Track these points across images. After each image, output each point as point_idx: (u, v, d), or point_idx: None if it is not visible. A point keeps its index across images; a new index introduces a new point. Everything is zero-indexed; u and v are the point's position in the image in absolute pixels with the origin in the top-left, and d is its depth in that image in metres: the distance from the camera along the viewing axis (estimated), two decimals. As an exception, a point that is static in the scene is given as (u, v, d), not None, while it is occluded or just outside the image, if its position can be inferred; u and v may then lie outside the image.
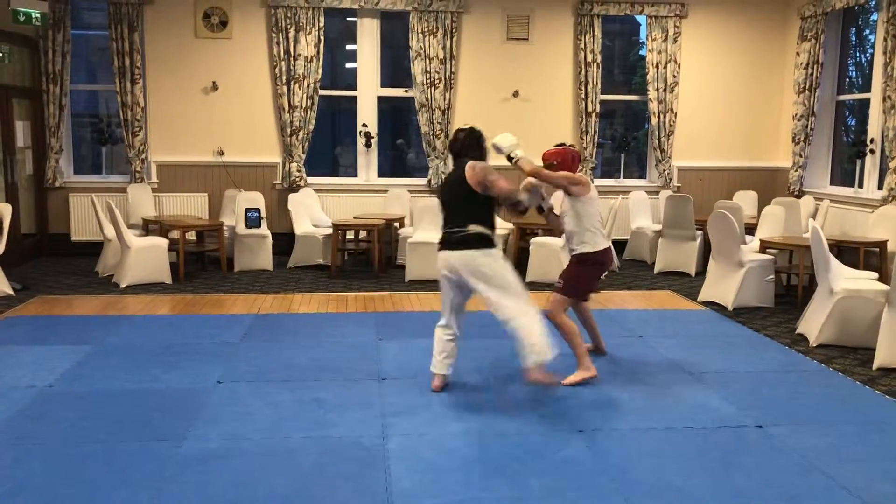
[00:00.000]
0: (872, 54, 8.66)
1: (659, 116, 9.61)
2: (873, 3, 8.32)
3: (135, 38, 8.86)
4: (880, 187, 8.07)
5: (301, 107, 9.12)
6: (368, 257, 8.49)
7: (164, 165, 9.26)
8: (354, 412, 4.24)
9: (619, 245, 9.26)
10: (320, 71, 9.14)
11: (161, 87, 9.14)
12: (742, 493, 3.36)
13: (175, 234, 7.88)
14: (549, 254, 7.82)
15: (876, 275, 6.19)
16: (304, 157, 9.24)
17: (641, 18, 9.77)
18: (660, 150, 9.68)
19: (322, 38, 9.08)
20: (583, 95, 9.46)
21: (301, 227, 8.63)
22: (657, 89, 9.58)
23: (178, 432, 3.92)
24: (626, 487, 3.38)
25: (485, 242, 4.23)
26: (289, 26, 8.99)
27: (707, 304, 7.01)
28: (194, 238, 8.56)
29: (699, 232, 8.35)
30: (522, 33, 9.48)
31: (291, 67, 9.06)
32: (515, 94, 9.51)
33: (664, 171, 9.70)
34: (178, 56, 9.11)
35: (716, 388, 4.74)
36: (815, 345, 5.68)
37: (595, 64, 9.42)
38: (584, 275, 4.91)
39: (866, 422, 4.24)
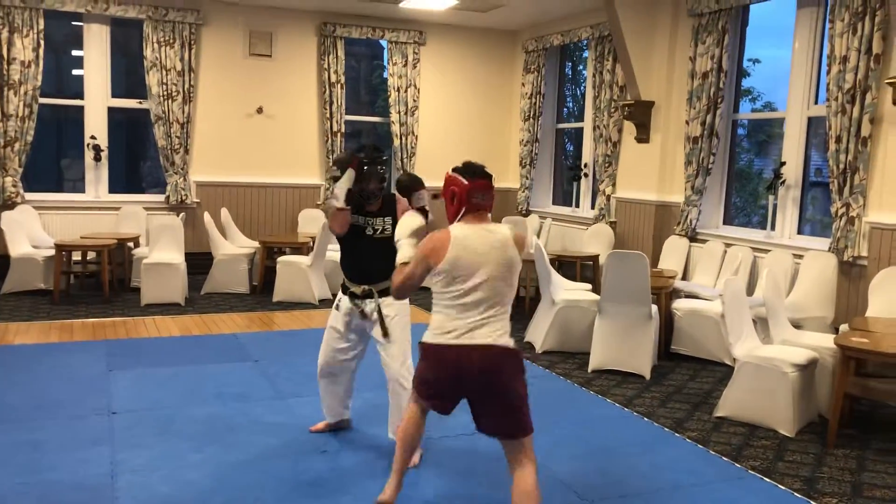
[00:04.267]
0: (585, 87, 9.68)
1: (401, 138, 9.96)
2: (584, 41, 9.32)
3: None
4: (593, 207, 9.03)
5: (17, 115, 8.23)
6: (98, 280, 7.84)
7: None
8: (78, 451, 3.89)
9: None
10: (40, 77, 8.33)
11: None
12: (475, 498, 3.57)
13: None
14: (296, 272, 7.77)
15: (590, 286, 6.91)
16: (20, 170, 8.34)
17: (384, 42, 10.08)
18: (404, 170, 10.02)
19: (42, 41, 8.29)
20: (328, 115, 9.55)
21: (17, 248, 7.75)
22: (399, 112, 9.93)
23: None
24: (367, 499, 3.44)
25: None
26: (0, 27, 8.10)
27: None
28: None
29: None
30: (265, 49, 9.36)
31: (5, 72, 8.15)
32: (259, 110, 9.36)
33: (407, 190, 10.05)
34: None
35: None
36: (540, 351, 6.20)
37: (339, 84, 9.55)
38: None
39: (583, 420, 4.71)
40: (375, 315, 3.82)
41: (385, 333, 3.80)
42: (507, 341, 2.95)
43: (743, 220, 8.34)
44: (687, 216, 7.47)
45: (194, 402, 4.73)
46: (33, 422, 4.28)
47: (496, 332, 2.93)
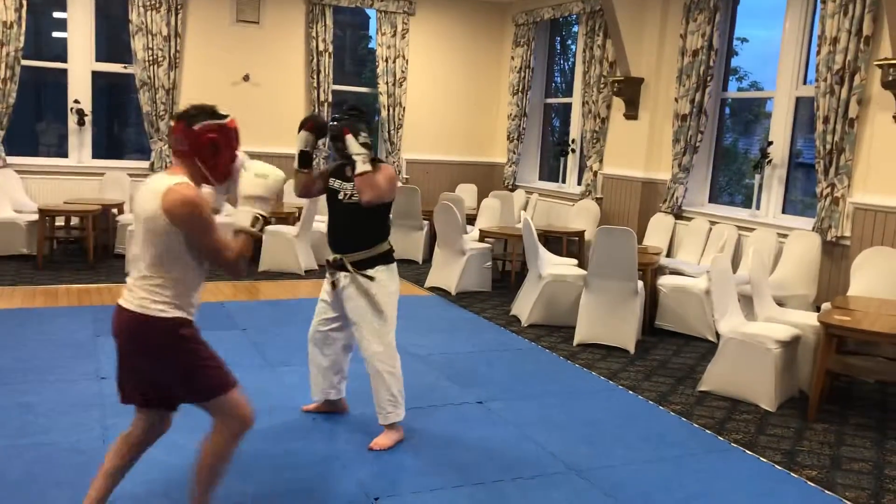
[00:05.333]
0: (574, 62, 9.67)
1: (389, 110, 9.91)
2: (575, 16, 9.29)
3: None
4: (580, 183, 9.07)
5: (-1, 77, 8.10)
6: (82, 246, 7.77)
7: None
8: (70, 415, 3.90)
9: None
10: (22, 38, 8.17)
11: None
12: (463, 466, 3.63)
13: None
14: (283, 243, 7.75)
15: (576, 261, 6.97)
16: (2, 133, 8.21)
17: (371, 12, 9.99)
18: (390, 142, 10.00)
19: (24, 1, 8.12)
20: (315, 84, 9.47)
21: (0, 211, 7.67)
22: (387, 83, 9.87)
23: None
24: (355, 467, 3.49)
25: None
26: (-18, -15, 7.93)
27: (433, 289, 7.40)
28: None
29: (426, 222, 8.78)
30: (252, 16, 9.24)
31: (-14, 32, 8.00)
32: (246, 77, 9.26)
33: (394, 163, 10.04)
34: None
35: (441, 368, 5.04)
36: (526, 325, 6.26)
37: (327, 53, 9.47)
38: None
39: (569, 392, 4.78)
40: (347, 290, 3.66)
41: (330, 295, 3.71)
42: (147, 308, 2.53)
43: (726, 198, 8.42)
44: (673, 193, 7.53)
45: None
46: (23, 384, 4.28)
47: (136, 295, 2.55)
